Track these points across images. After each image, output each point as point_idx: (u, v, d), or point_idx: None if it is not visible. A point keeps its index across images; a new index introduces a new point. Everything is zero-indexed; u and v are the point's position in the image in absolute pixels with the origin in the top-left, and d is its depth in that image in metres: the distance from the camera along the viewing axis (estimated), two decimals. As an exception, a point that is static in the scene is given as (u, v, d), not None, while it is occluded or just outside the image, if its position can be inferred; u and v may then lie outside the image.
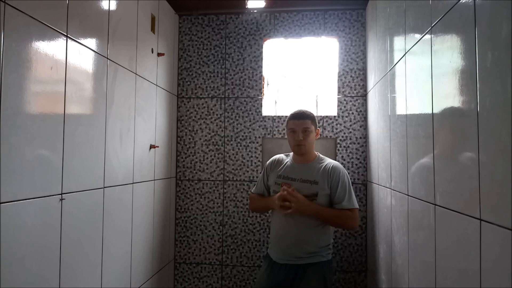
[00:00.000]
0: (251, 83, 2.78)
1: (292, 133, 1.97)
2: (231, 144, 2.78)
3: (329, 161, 2.00)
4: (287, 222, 1.95)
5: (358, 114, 2.67)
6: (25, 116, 1.22)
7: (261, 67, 2.78)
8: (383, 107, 2.08)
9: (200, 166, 2.80)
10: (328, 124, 2.69)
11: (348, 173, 2.63)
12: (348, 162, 2.66)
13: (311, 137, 1.97)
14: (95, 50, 1.66)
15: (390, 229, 1.89)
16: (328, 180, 1.92)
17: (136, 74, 2.11)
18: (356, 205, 1.92)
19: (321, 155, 2.06)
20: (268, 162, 2.15)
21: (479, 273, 0.92)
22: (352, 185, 2.63)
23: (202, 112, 2.82)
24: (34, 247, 1.27)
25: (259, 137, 2.75)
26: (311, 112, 2.03)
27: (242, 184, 2.75)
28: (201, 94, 2.83)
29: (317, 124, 2.06)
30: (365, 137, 2.65)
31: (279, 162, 2.08)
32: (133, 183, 2.09)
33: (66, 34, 1.43)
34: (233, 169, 2.77)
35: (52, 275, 1.37)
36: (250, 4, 2.67)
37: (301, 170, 1.97)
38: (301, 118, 1.96)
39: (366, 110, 2.65)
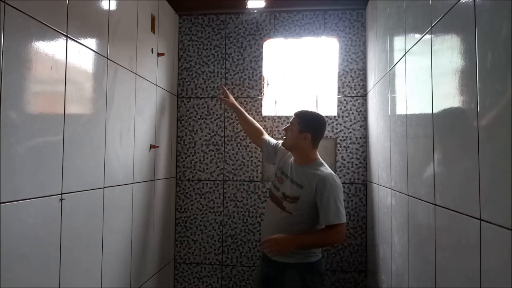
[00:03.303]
0: (251, 83, 2.78)
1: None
2: (231, 144, 2.78)
3: (322, 171, 1.90)
4: (270, 218, 2.00)
5: (358, 114, 2.67)
6: (25, 116, 1.22)
7: (261, 67, 2.78)
8: (383, 107, 2.08)
9: (200, 166, 2.80)
10: (328, 124, 2.68)
11: (348, 173, 2.65)
12: (348, 162, 2.66)
13: (289, 135, 1.97)
14: (95, 50, 1.66)
15: (390, 229, 1.89)
16: (314, 190, 1.85)
17: (136, 74, 2.11)
18: (343, 220, 1.80)
19: (320, 161, 1.97)
20: (283, 148, 2.09)
21: (479, 273, 0.92)
22: (352, 185, 2.64)
23: (202, 112, 2.82)
24: (34, 247, 1.27)
25: (259, 137, 2.74)
26: (310, 116, 1.97)
27: (242, 184, 2.75)
28: (201, 94, 2.83)
29: (310, 129, 1.92)
30: (365, 137, 2.65)
31: (288, 156, 2.07)
32: (133, 183, 2.09)
33: (66, 34, 1.43)
34: (233, 169, 2.77)
35: (52, 275, 1.37)
36: (250, 4, 2.67)
37: (296, 170, 1.96)
38: (294, 115, 2.01)
39: (366, 110, 2.65)
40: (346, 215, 2.60)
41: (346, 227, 2.63)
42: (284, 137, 2.01)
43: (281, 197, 1.95)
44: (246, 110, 2.78)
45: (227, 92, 2.45)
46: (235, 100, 2.78)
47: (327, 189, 1.82)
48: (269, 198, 2.06)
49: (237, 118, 2.58)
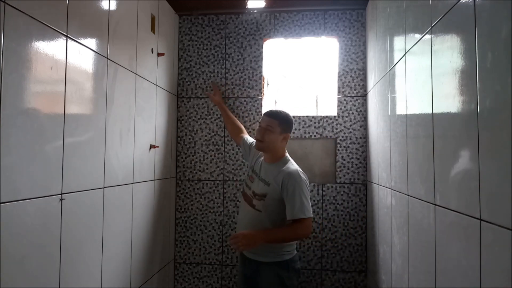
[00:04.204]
0: (251, 83, 2.78)
1: (258, 128, 2.03)
2: (231, 144, 2.78)
3: (288, 167, 1.93)
4: (242, 217, 2.04)
5: (358, 114, 2.67)
6: (25, 116, 1.22)
7: (261, 67, 2.78)
8: (383, 107, 2.08)
9: (200, 166, 2.80)
10: (328, 124, 2.69)
11: (348, 173, 2.65)
12: (348, 162, 2.66)
13: (271, 138, 1.95)
14: (95, 50, 1.66)
15: (390, 229, 1.89)
16: (280, 186, 1.88)
17: (136, 74, 2.11)
18: (308, 215, 1.82)
19: (287, 158, 2.00)
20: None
21: (479, 273, 0.92)
22: (352, 185, 2.64)
23: (202, 112, 2.82)
24: (34, 247, 1.27)
25: (259, 137, 2.74)
26: (287, 116, 2.00)
27: (242, 184, 2.75)
28: (201, 94, 2.83)
29: (289, 129, 1.99)
30: (365, 137, 2.65)
31: (260, 155, 2.11)
32: (133, 183, 2.09)
33: (66, 34, 1.43)
34: (233, 169, 2.77)
35: (52, 275, 1.37)
36: (250, 4, 2.67)
37: (264, 168, 2.01)
38: (269, 116, 1.99)
39: (366, 110, 2.65)
40: (346, 214, 2.63)
41: (346, 227, 2.64)
42: (260, 140, 1.97)
43: (251, 195, 1.99)
44: (246, 110, 2.78)
45: (217, 89, 2.55)
46: (236, 100, 2.78)
47: (292, 184, 1.86)
48: (242, 197, 2.10)
49: (221, 115, 2.70)
